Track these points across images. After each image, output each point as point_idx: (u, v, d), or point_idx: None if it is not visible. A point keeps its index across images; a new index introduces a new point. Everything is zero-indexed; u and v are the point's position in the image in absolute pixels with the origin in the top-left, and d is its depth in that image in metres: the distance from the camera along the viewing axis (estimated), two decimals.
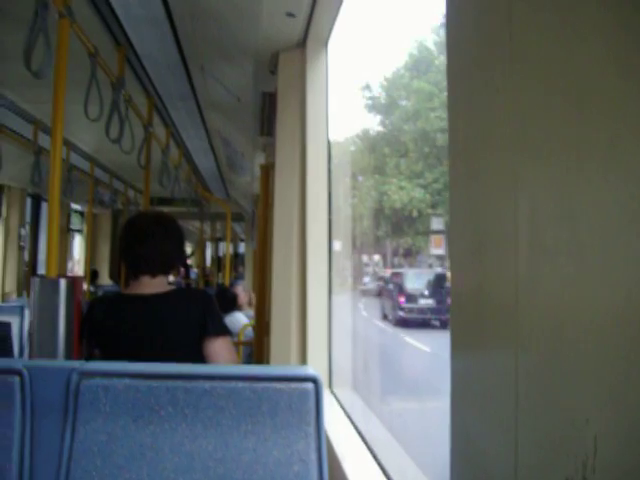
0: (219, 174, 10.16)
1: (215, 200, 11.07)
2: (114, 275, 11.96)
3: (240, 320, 6.53)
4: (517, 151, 0.93)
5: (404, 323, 13.68)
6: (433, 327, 13.27)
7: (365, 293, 20.08)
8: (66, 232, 10.56)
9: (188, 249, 16.92)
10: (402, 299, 13.89)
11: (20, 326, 7.21)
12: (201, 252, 15.59)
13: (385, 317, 15.12)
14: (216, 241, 17.37)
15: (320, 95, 3.48)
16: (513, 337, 0.93)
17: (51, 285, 2.99)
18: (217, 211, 11.85)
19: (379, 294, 17.38)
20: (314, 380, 1.94)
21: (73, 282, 3.07)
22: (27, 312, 7.48)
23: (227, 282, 9.48)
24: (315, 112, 3.45)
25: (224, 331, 2.84)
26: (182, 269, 15.14)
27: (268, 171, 4.12)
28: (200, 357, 2.79)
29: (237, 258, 17.44)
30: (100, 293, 10.08)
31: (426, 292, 13.75)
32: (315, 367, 3.18)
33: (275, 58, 3.67)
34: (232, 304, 6.80)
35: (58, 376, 1.96)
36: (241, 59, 4.16)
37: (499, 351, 1.00)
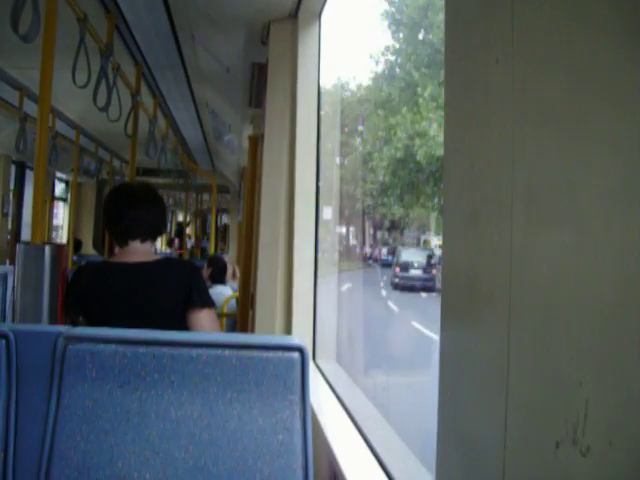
0: (206, 146, 10.12)
1: (201, 172, 11.03)
2: (97, 245, 11.91)
3: (224, 292, 6.54)
4: (515, 120, 0.93)
5: (398, 287, 17.33)
6: (420, 290, 16.68)
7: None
8: (51, 200, 10.49)
9: (187, 219, 16.89)
10: (397, 269, 17.71)
11: (3, 293, 7.19)
12: (198, 223, 15.59)
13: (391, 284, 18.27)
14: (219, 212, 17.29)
15: (312, 66, 3.46)
16: (506, 306, 0.94)
17: (36, 252, 2.98)
18: (202, 182, 11.82)
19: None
20: (300, 350, 1.96)
21: (58, 249, 3.06)
22: (11, 279, 7.47)
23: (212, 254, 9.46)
24: (306, 84, 3.43)
25: (208, 302, 2.86)
26: (176, 240, 15.18)
27: (256, 142, 4.11)
28: (184, 327, 2.81)
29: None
30: (84, 263, 10.03)
31: (415, 264, 17.12)
32: (300, 337, 3.20)
33: (266, 28, 3.64)
34: (223, 274, 6.82)
35: (44, 340, 1.96)
36: (232, 29, 4.12)
37: (491, 320, 1.01)
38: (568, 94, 0.82)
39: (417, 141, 14.83)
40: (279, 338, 2.31)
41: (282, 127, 3.49)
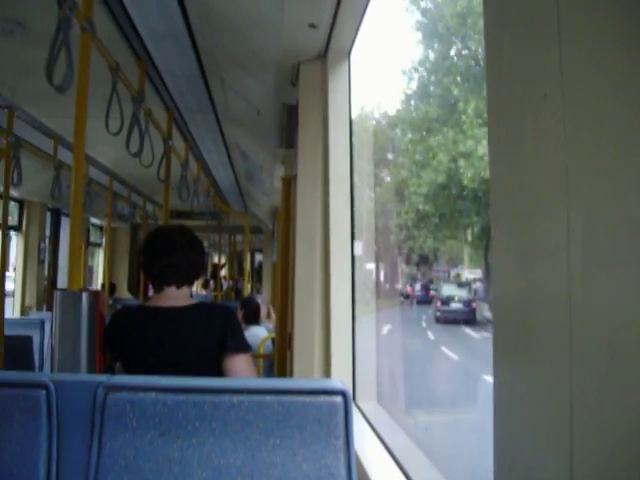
0: (237, 187, 10.19)
1: (233, 213, 11.09)
2: (132, 288, 11.97)
3: (259, 334, 6.51)
4: (568, 156, 0.90)
5: (440, 321, 18.80)
6: (463, 323, 17.84)
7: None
8: (86, 246, 10.59)
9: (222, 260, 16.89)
10: (439, 303, 19.54)
11: (41, 340, 7.25)
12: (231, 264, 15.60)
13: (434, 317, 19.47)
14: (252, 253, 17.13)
15: (342, 105, 3.46)
16: (567, 349, 0.90)
17: (73, 299, 2.98)
18: (235, 224, 11.88)
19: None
20: (343, 393, 1.92)
21: (95, 296, 3.06)
22: (47, 326, 7.53)
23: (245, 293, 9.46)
24: (338, 122, 3.43)
25: (244, 347, 2.84)
26: (212, 282, 15.19)
27: (289, 183, 4.12)
28: (219, 372, 2.79)
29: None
30: (119, 307, 10.10)
31: (456, 298, 18.73)
32: (340, 378, 3.16)
33: (296, 69, 3.66)
34: (256, 315, 6.81)
35: (84, 390, 1.95)
36: (261, 71, 4.16)
37: (551, 363, 0.97)
38: (626, 127, 0.79)
39: (463, 162, 13.41)
40: (320, 382, 2.27)
41: (315, 167, 3.49)
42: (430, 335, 17.87)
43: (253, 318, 6.77)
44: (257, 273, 17.59)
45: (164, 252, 2.91)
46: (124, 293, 11.80)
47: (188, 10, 3.63)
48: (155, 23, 3.95)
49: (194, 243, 3.00)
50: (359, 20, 3.09)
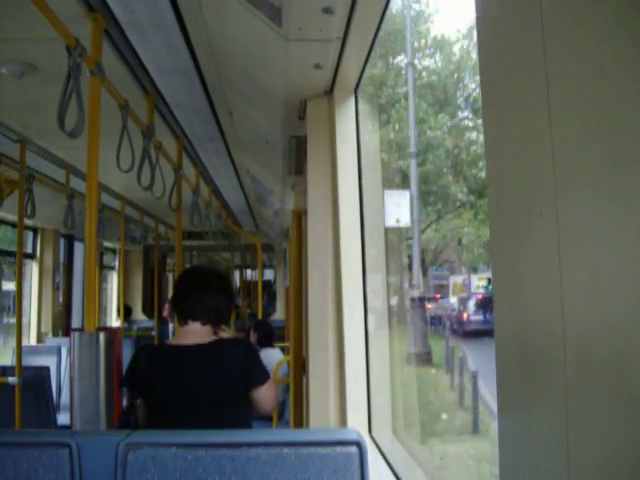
0: (248, 208, 10.20)
1: (244, 234, 11.10)
2: (146, 310, 12.03)
3: (274, 356, 6.53)
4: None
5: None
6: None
7: None
8: (100, 270, 10.62)
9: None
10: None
11: (57, 366, 7.31)
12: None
13: None
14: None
15: (350, 141, 3.50)
16: (562, 392, 0.94)
17: (90, 339, 3.02)
18: (248, 242, 11.87)
19: None
20: (358, 444, 1.95)
21: (113, 335, 3.09)
22: (64, 352, 7.58)
23: (260, 315, 9.44)
24: (346, 158, 3.47)
25: (267, 376, 2.97)
26: None
27: (300, 216, 4.17)
28: (241, 404, 2.87)
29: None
30: (134, 328, 10.18)
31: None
32: (355, 410, 3.18)
33: (303, 105, 3.71)
34: (270, 337, 6.88)
35: (106, 448, 1.98)
36: (268, 106, 4.20)
37: (547, 407, 1.01)
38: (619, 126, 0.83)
39: None
40: (336, 432, 2.30)
41: (325, 202, 3.54)
42: None
43: (267, 341, 6.83)
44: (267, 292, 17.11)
45: (196, 288, 3.00)
46: (138, 314, 11.85)
47: (195, 47, 3.67)
48: (162, 59, 4.00)
49: (226, 288, 3.10)
50: (364, 60, 3.13)
